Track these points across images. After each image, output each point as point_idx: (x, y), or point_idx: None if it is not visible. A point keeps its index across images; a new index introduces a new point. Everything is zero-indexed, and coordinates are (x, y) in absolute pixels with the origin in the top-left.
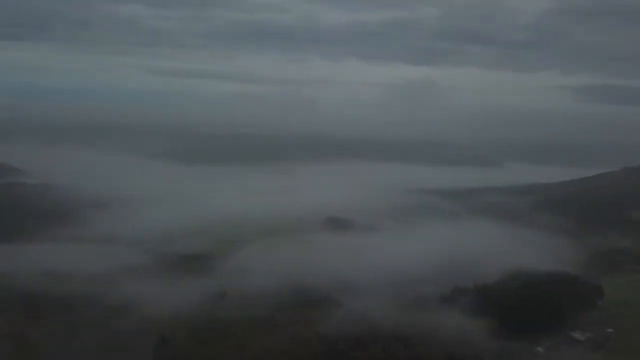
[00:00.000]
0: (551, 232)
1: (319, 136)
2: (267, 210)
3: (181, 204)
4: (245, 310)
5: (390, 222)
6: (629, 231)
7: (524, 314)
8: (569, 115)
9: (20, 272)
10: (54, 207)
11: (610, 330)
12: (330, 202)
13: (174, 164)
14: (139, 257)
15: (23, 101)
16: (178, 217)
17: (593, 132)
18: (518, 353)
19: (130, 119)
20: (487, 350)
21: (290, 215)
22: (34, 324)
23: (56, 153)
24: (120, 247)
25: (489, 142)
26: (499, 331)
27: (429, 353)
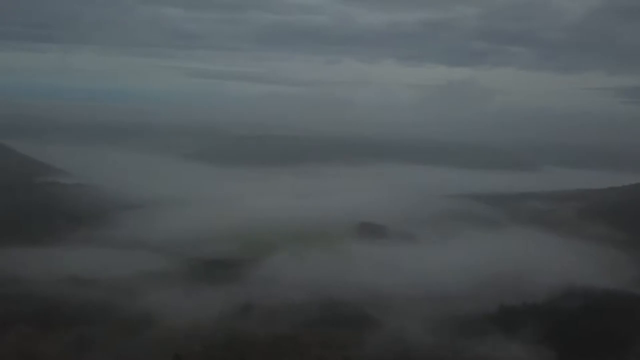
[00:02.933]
0: (602, 243)
1: (353, 138)
2: (298, 213)
3: (211, 206)
4: (269, 326)
5: (427, 229)
6: None
7: (584, 340)
8: (615, 118)
9: (40, 278)
10: (86, 207)
11: None
12: (364, 206)
13: (206, 165)
14: (164, 263)
15: (61, 102)
16: (207, 219)
17: None
18: None
19: (165, 120)
20: None
21: (322, 219)
22: (45, 338)
23: (93, 153)
24: (147, 251)
25: (529, 145)
26: None
27: None
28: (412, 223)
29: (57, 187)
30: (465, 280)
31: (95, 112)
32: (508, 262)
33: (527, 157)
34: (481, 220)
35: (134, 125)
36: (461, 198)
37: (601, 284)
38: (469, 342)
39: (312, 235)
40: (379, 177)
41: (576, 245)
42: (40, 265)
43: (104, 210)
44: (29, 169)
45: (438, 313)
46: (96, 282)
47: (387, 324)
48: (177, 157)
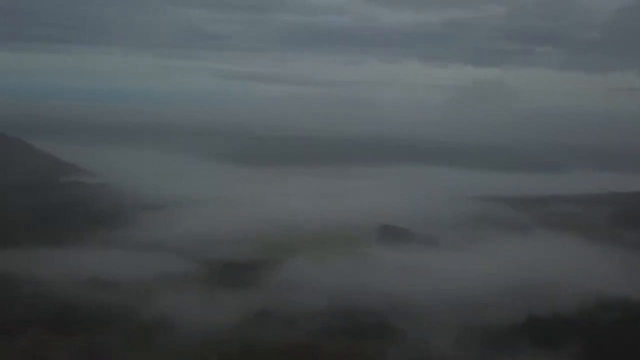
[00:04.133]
0: (635, 250)
1: (375, 139)
2: (318, 215)
3: (231, 207)
4: (286, 334)
5: (452, 233)
6: None
7: (620, 355)
8: None
9: (56, 279)
10: (107, 207)
11: None
12: (386, 209)
13: (227, 165)
14: (182, 265)
15: (88, 103)
16: (226, 220)
17: None
18: None
19: (187, 120)
20: None
21: (343, 221)
22: (58, 343)
23: (115, 153)
24: (165, 252)
25: (558, 147)
26: None
27: None
28: (436, 226)
29: (79, 186)
30: (491, 288)
31: (118, 113)
32: (536, 268)
33: (555, 159)
34: (507, 224)
35: (156, 125)
36: (486, 201)
37: (638, 294)
38: (495, 354)
39: (333, 237)
40: (402, 178)
41: (608, 251)
42: (58, 267)
43: (125, 210)
44: (54, 168)
45: (463, 323)
46: (113, 284)
47: (410, 334)
48: (199, 157)
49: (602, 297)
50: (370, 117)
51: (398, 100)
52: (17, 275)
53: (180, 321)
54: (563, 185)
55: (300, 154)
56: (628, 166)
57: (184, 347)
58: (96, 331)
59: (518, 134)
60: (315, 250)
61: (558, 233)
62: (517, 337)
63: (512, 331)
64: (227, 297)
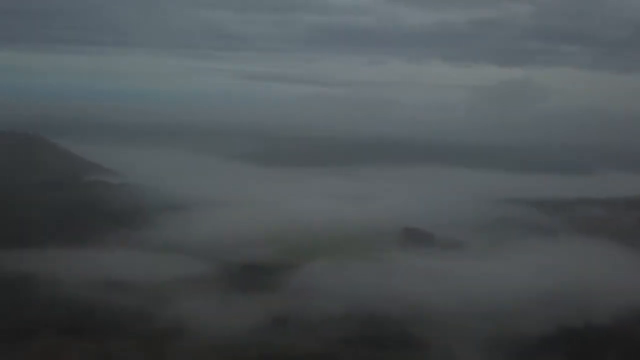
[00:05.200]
0: None
1: (398, 139)
2: (339, 217)
3: (251, 208)
4: (304, 340)
5: (477, 236)
6: None
7: None
8: None
9: (74, 281)
10: (128, 208)
11: None
12: (408, 211)
13: (248, 166)
14: (200, 267)
15: (109, 103)
16: (246, 221)
17: None
18: None
19: (209, 121)
20: None
21: (364, 224)
22: (73, 345)
23: (139, 153)
24: (183, 254)
25: (585, 148)
26: None
27: None
28: (461, 230)
29: (102, 186)
30: (519, 295)
31: (139, 113)
32: (566, 275)
33: (584, 161)
34: (534, 227)
35: (177, 126)
36: (513, 203)
37: None
38: None
39: (353, 240)
40: (425, 180)
41: None
42: (76, 268)
43: (145, 211)
44: (77, 167)
45: (489, 332)
46: (129, 286)
47: (432, 344)
48: (220, 158)
49: (638, 307)
50: (393, 117)
51: (421, 100)
52: (35, 276)
53: (196, 325)
54: (591, 187)
55: (322, 155)
56: None
57: (199, 351)
58: (111, 335)
59: (544, 135)
60: (335, 254)
61: (587, 237)
62: (547, 349)
63: (542, 342)
64: (244, 301)
